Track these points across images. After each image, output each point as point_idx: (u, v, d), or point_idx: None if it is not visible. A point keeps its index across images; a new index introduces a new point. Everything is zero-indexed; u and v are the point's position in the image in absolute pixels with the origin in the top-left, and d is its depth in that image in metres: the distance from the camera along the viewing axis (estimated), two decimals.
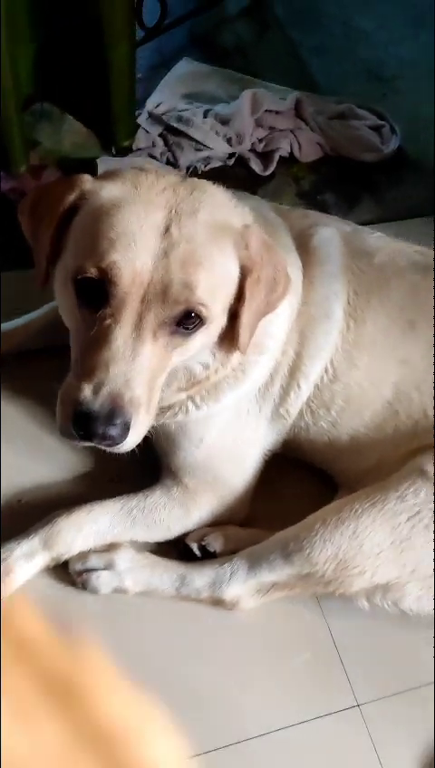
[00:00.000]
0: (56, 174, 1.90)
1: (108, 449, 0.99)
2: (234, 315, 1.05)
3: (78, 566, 1.20)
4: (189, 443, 1.22)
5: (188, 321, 0.98)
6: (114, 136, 1.68)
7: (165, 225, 0.97)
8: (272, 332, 1.17)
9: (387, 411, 1.22)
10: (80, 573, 1.19)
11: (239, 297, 1.03)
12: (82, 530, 1.20)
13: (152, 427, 1.22)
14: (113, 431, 0.94)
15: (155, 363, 0.97)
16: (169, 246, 0.95)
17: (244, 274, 1.02)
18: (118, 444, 0.97)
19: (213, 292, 0.98)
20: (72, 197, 1.02)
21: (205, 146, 1.92)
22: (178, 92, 2.13)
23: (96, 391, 0.93)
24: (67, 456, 1.38)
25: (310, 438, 1.28)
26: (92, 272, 0.95)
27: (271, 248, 1.07)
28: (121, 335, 0.94)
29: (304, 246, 1.24)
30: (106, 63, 1.53)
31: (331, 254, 1.24)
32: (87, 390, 0.94)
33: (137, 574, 1.19)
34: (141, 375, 0.95)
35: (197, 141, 1.92)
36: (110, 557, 1.20)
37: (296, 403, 1.23)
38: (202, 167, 1.94)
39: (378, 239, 1.32)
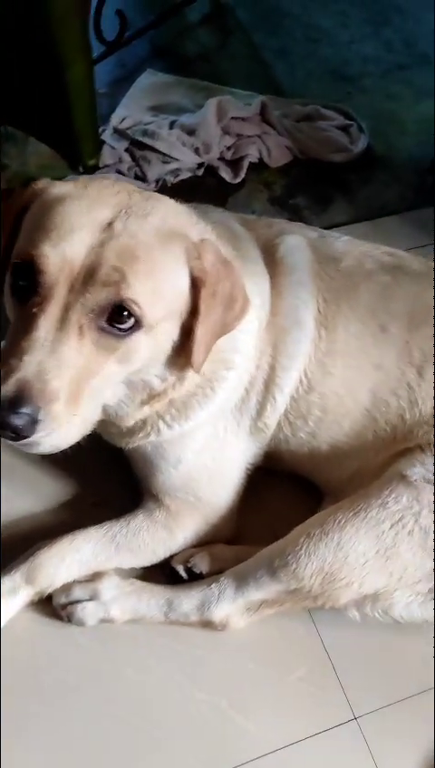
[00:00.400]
0: None
1: (19, 445, 0.94)
2: (188, 331, 1.02)
3: (62, 599, 1.17)
4: (167, 464, 1.20)
5: (119, 319, 0.93)
6: (79, 155, 1.66)
7: (108, 221, 0.95)
8: (239, 348, 1.15)
9: (365, 418, 1.20)
10: (64, 606, 1.17)
11: (193, 312, 1.01)
12: (65, 560, 1.18)
13: (129, 449, 1.22)
14: (17, 420, 0.89)
15: (82, 361, 0.93)
16: (107, 238, 0.93)
17: (197, 287, 1.00)
18: (26, 436, 0.91)
19: (152, 294, 0.95)
20: (25, 197, 1.03)
21: (172, 158, 1.90)
22: (144, 105, 2.12)
23: (5, 379, 0.90)
24: (47, 484, 1.36)
25: (290, 450, 1.26)
26: (20, 258, 0.94)
27: (228, 264, 1.05)
28: (44, 325, 0.91)
29: (271, 256, 1.23)
30: (64, 83, 1.51)
31: (298, 262, 1.23)
32: None
33: (123, 603, 1.17)
34: (60, 368, 0.90)
35: (163, 154, 1.90)
36: (94, 587, 1.18)
37: (274, 416, 1.21)
38: (171, 179, 1.92)
39: (345, 243, 1.30)
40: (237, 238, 1.20)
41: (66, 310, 0.92)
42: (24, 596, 1.17)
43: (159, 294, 0.96)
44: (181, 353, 1.04)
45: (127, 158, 1.91)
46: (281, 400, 1.20)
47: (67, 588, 1.18)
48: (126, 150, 1.92)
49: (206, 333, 1.01)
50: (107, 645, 1.18)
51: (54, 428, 0.92)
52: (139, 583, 1.20)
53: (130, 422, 1.14)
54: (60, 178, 1.85)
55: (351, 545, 1.10)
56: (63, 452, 1.32)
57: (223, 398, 1.16)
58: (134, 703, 1.14)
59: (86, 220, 0.95)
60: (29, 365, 0.90)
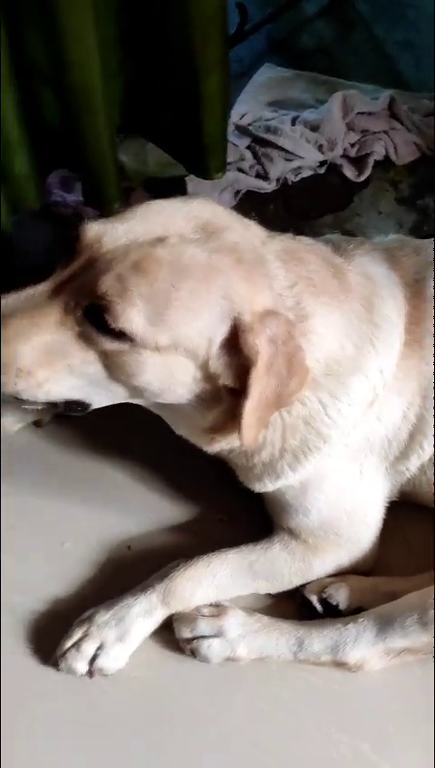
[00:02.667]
0: (144, 196, 1.85)
1: None
2: (236, 393, 0.94)
3: (186, 633, 1.11)
4: (300, 509, 1.13)
5: (100, 313, 0.89)
6: (205, 169, 1.59)
7: (169, 235, 0.91)
8: (331, 421, 1.05)
9: None
10: (189, 641, 1.11)
11: (240, 380, 0.92)
12: (202, 584, 1.12)
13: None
14: None
15: (54, 335, 0.92)
16: (148, 245, 0.90)
17: (245, 362, 0.91)
18: None
19: (155, 315, 0.88)
20: None
21: (295, 155, 1.82)
22: (263, 100, 2.05)
23: None
24: (172, 499, 1.31)
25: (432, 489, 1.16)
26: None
27: (291, 341, 0.94)
28: (42, 287, 0.93)
29: (418, 294, 1.09)
30: (197, 94, 1.44)
31: None
32: None
33: (250, 641, 1.09)
34: (31, 326, 0.92)
35: (287, 151, 1.82)
36: (219, 624, 1.10)
37: (417, 462, 1.12)
38: (292, 177, 1.84)
39: None
40: (377, 292, 1.07)
41: (67, 283, 0.92)
42: (159, 617, 1.12)
43: (165, 321, 0.89)
44: (230, 415, 0.97)
45: (249, 155, 1.84)
46: (429, 450, 1.10)
47: (191, 620, 1.11)
48: (247, 148, 1.86)
49: (256, 409, 0.93)
50: (238, 674, 1.11)
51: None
52: (266, 620, 1.12)
53: (211, 449, 1.09)
54: (178, 178, 1.84)
55: None
56: (188, 469, 1.31)
57: (344, 444, 1.07)
58: (267, 738, 1.07)
59: (149, 221, 0.92)
60: (5, 309, 0.92)
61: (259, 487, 1.14)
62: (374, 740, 1.06)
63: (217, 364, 0.93)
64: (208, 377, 0.95)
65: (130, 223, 0.92)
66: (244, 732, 1.07)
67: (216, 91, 1.46)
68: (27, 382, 0.94)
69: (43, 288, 0.94)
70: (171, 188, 1.85)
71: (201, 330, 0.91)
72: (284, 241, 1.02)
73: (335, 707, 1.08)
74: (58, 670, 1.11)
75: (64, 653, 1.10)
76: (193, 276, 0.89)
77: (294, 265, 1.00)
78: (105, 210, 1.62)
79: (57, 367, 0.94)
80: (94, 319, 0.90)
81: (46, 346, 0.92)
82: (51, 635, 1.16)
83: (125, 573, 1.22)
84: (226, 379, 0.94)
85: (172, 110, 1.52)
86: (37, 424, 1.42)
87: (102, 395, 1.01)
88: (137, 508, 1.30)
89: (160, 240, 0.90)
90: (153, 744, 1.07)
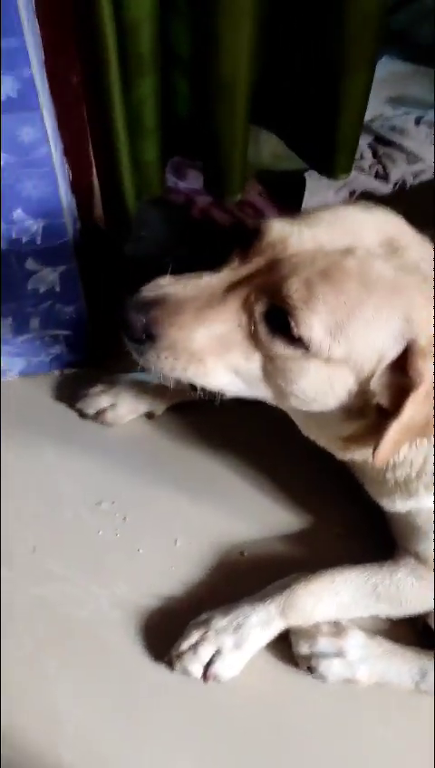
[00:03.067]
0: (257, 188, 1.81)
1: (132, 349, 0.95)
2: (384, 410, 0.91)
3: (305, 649, 1.10)
4: (429, 534, 1.09)
5: (282, 316, 0.86)
6: (331, 168, 1.54)
7: (357, 246, 0.88)
8: None
9: None
10: (307, 657, 1.09)
11: (394, 404, 0.90)
12: (323, 600, 1.11)
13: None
14: (134, 317, 0.91)
15: (223, 329, 0.91)
16: (335, 254, 0.87)
17: (407, 384, 0.88)
18: (136, 339, 0.93)
19: (335, 326, 0.86)
20: None
21: (419, 157, 1.76)
22: (382, 96, 1.98)
23: (154, 286, 0.94)
24: (288, 508, 1.29)
25: None
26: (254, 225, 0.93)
27: None
28: (219, 279, 0.92)
29: None
30: (338, 92, 1.39)
31: None
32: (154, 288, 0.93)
33: (372, 665, 1.08)
34: (199, 318, 0.90)
35: (410, 153, 1.76)
36: (340, 644, 1.09)
37: None
38: (411, 180, 1.79)
39: None
40: None
41: (247, 280, 0.90)
42: (277, 629, 1.11)
43: (344, 334, 0.86)
44: (372, 430, 0.95)
45: (369, 154, 1.79)
46: None
47: (311, 637, 1.10)
48: (368, 146, 1.80)
49: (400, 432, 0.90)
50: (355, 695, 1.10)
51: (163, 357, 0.93)
52: (388, 645, 1.10)
53: (343, 456, 1.08)
54: (293, 172, 1.79)
55: None
56: (305, 478, 1.29)
57: None
58: (386, 765, 1.05)
59: (336, 229, 0.89)
60: (179, 294, 0.92)
61: (388, 505, 1.11)
62: None
63: (378, 382, 0.91)
64: (364, 392, 0.93)
65: (317, 229, 0.89)
66: (361, 756, 1.06)
67: (359, 90, 1.41)
68: (197, 369, 0.93)
69: (221, 280, 0.92)
70: (285, 182, 1.81)
71: (376, 347, 0.88)
72: None
73: None
74: (172, 670, 1.11)
75: (181, 654, 1.10)
76: (379, 293, 0.86)
77: None
78: (225, 200, 1.59)
79: (224, 360, 0.93)
80: (272, 321, 0.89)
81: (219, 338, 0.91)
82: (161, 633, 1.16)
83: (237, 579, 1.21)
84: (381, 398, 0.92)
85: (307, 104, 1.48)
86: (150, 415, 1.41)
87: (246, 391, 1.00)
88: (250, 513, 1.29)
89: (349, 251, 0.87)
90: (264, 754, 1.06)
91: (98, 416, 1.39)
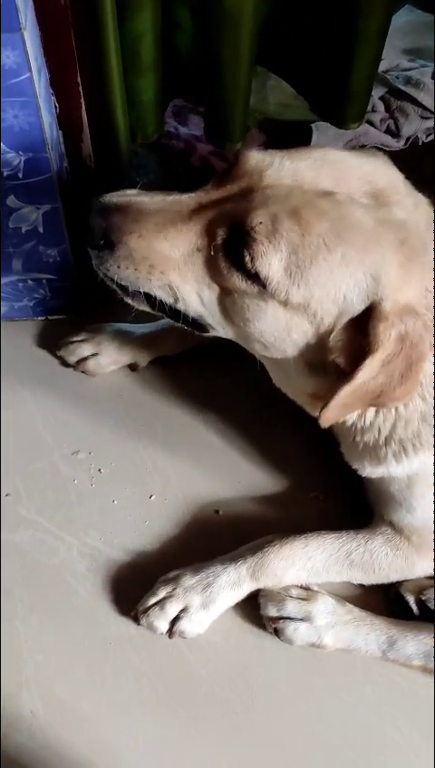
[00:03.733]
0: (259, 137, 1.74)
1: (93, 257, 0.92)
2: (341, 370, 0.87)
3: (272, 612, 1.07)
4: (403, 503, 1.07)
5: (240, 247, 0.82)
6: (342, 117, 1.46)
7: (339, 190, 0.83)
8: None
9: None
10: (274, 620, 1.07)
11: (351, 366, 0.86)
12: (295, 565, 1.09)
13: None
14: (96, 221, 0.88)
15: (186, 251, 0.88)
16: (312, 195, 0.82)
17: (366, 348, 0.84)
18: (94, 245, 0.90)
19: (295, 267, 0.82)
20: None
21: (433, 113, 1.68)
22: (399, 46, 1.89)
23: (118, 194, 0.90)
24: (267, 469, 1.26)
25: None
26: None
27: (418, 345, 0.85)
28: (188, 199, 0.89)
29: None
30: (353, 35, 1.31)
31: None
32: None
33: (339, 632, 1.06)
34: (160, 231, 0.87)
35: (424, 108, 1.68)
36: (308, 609, 1.07)
37: None
38: (423, 138, 1.71)
39: None
40: None
41: (216, 205, 0.87)
42: (246, 591, 1.09)
43: (305, 279, 0.82)
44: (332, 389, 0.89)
45: (381, 107, 1.71)
46: None
47: (280, 600, 1.08)
48: (381, 99, 1.72)
49: (350, 396, 0.86)
50: (322, 660, 1.08)
51: (122, 266, 0.90)
52: (357, 612, 1.08)
53: (314, 413, 1.01)
54: (299, 123, 1.71)
55: None
56: (286, 441, 1.26)
57: None
58: (345, 729, 1.04)
59: (321, 169, 0.85)
60: (144, 204, 0.89)
61: (360, 469, 1.08)
62: None
63: (337, 339, 0.87)
64: (322, 347, 0.89)
65: (299, 164, 0.85)
66: (321, 718, 1.05)
67: (376, 32, 1.33)
68: (160, 280, 0.90)
69: (190, 199, 0.89)
70: (290, 133, 1.74)
71: (337, 300, 0.84)
72: None
73: (419, 712, 1.05)
74: (138, 624, 1.09)
75: (147, 609, 1.08)
76: (351, 242, 0.81)
77: None
78: (225, 148, 1.52)
79: (185, 281, 0.91)
80: (231, 251, 0.85)
81: (178, 257, 0.89)
82: (130, 586, 1.14)
83: (210, 537, 1.19)
84: (338, 356, 0.88)
85: (320, 47, 1.39)
86: (133, 367, 1.37)
87: (215, 325, 0.97)
88: (228, 472, 1.26)
89: (328, 194, 0.83)
90: (224, 711, 1.06)
91: (80, 364, 1.35)
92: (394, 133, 1.68)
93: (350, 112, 1.45)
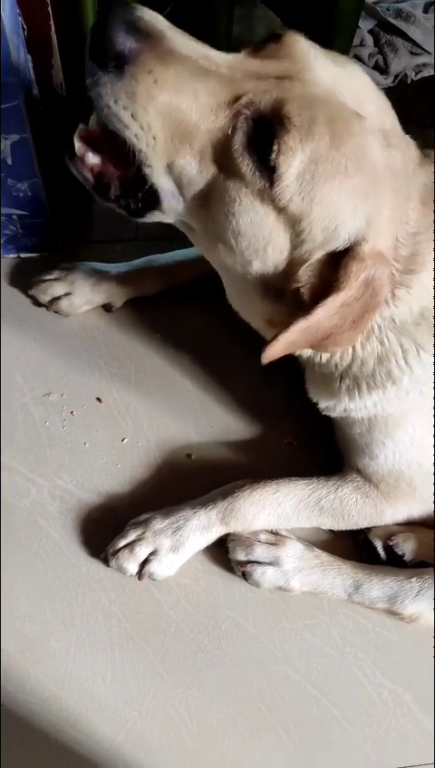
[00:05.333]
0: None
1: (89, 71, 0.78)
2: (299, 309, 0.85)
3: (241, 556, 1.08)
4: (365, 450, 1.06)
5: (269, 134, 0.76)
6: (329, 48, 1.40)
7: (373, 122, 0.80)
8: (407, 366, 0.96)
9: None
10: (242, 563, 1.08)
11: (310, 301, 0.84)
12: (265, 510, 1.09)
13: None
14: (115, 30, 0.73)
15: (196, 121, 0.78)
16: (352, 114, 0.78)
17: (331, 285, 0.82)
18: (99, 65, 0.76)
19: (309, 184, 0.78)
20: None
21: (423, 50, 1.61)
22: None
23: (143, 10, 0.76)
24: (240, 414, 1.25)
25: None
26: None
27: (378, 294, 0.84)
28: (221, 56, 0.79)
29: None
30: None
31: None
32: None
33: (305, 575, 1.07)
34: (181, 72, 0.76)
35: (414, 43, 1.61)
36: (277, 553, 1.07)
37: None
38: (413, 75, 1.65)
39: None
40: None
41: (250, 77, 0.78)
42: (216, 535, 1.09)
43: (311, 192, 0.78)
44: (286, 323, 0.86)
45: (370, 41, 1.64)
46: None
47: (248, 544, 1.08)
48: (370, 32, 1.65)
49: (301, 333, 0.84)
50: (289, 601, 1.09)
51: (118, 101, 0.77)
52: (324, 557, 1.09)
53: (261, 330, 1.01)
54: None
55: None
56: (260, 386, 1.25)
57: (419, 392, 0.98)
58: (310, 668, 1.06)
59: (356, 88, 0.81)
60: (175, 44, 0.76)
61: (319, 402, 1.08)
62: (417, 692, 1.05)
63: (308, 267, 0.84)
64: (290, 273, 0.86)
65: (340, 71, 0.80)
66: (286, 657, 1.07)
67: None
68: (141, 142, 0.80)
69: (223, 60, 0.79)
70: None
71: (328, 228, 0.81)
72: (430, 173, 0.90)
73: (383, 653, 1.07)
74: (108, 566, 1.09)
75: (117, 551, 1.08)
76: (366, 176, 0.79)
77: (429, 209, 0.88)
78: None
79: (174, 152, 0.81)
80: (255, 135, 0.78)
81: (183, 121, 0.78)
82: (100, 528, 1.14)
83: (182, 482, 1.18)
84: (304, 288, 0.85)
85: None
86: (107, 308, 1.34)
87: (172, 210, 0.89)
88: (201, 417, 1.25)
89: (359, 116, 0.79)
90: (192, 650, 1.07)
91: (52, 304, 1.31)
92: (382, 69, 1.61)
93: (335, 44, 1.38)
